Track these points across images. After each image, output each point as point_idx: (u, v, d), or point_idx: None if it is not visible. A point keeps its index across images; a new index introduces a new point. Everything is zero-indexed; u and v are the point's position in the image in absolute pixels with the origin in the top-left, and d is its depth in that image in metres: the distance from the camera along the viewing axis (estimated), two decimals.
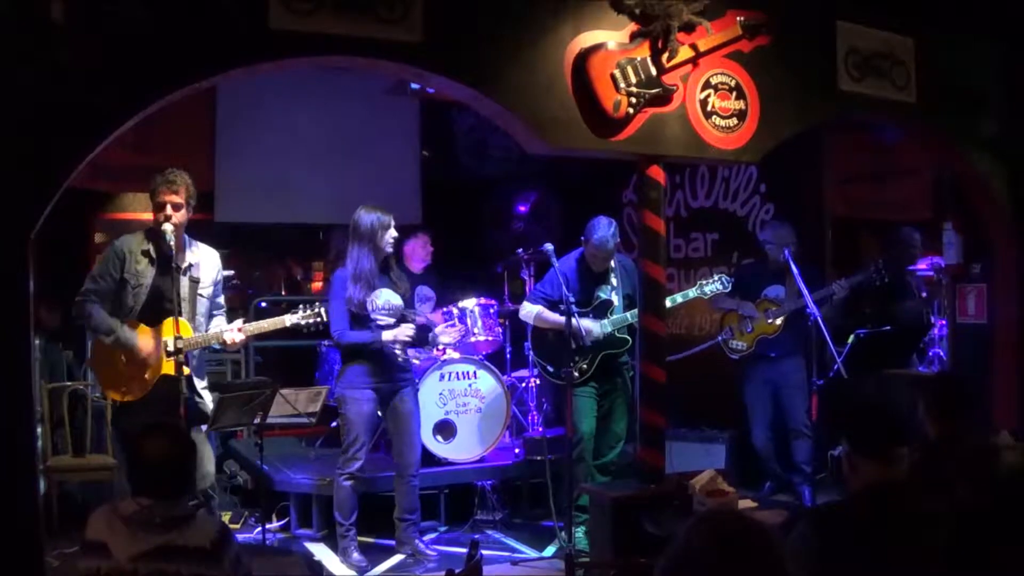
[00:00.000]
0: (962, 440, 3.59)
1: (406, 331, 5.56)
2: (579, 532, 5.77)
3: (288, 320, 5.01)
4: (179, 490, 2.90)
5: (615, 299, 6.02)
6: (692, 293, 6.11)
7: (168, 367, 4.54)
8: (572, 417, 5.74)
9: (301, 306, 5.09)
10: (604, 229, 5.91)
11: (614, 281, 6.05)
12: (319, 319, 5.09)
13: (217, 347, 5.06)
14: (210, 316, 4.89)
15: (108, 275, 4.65)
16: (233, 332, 4.80)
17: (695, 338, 7.82)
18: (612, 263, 6.08)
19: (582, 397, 5.91)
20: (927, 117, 5.95)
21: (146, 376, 4.63)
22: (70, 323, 4.73)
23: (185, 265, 4.69)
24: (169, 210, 4.61)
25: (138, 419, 4.48)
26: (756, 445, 6.81)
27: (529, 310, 6.12)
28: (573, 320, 5.57)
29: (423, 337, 6.06)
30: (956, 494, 2.98)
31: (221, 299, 5.02)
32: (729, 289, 6.26)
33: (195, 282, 4.74)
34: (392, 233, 5.60)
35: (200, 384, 4.81)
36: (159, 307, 4.66)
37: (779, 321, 6.57)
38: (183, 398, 4.41)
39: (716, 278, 6.17)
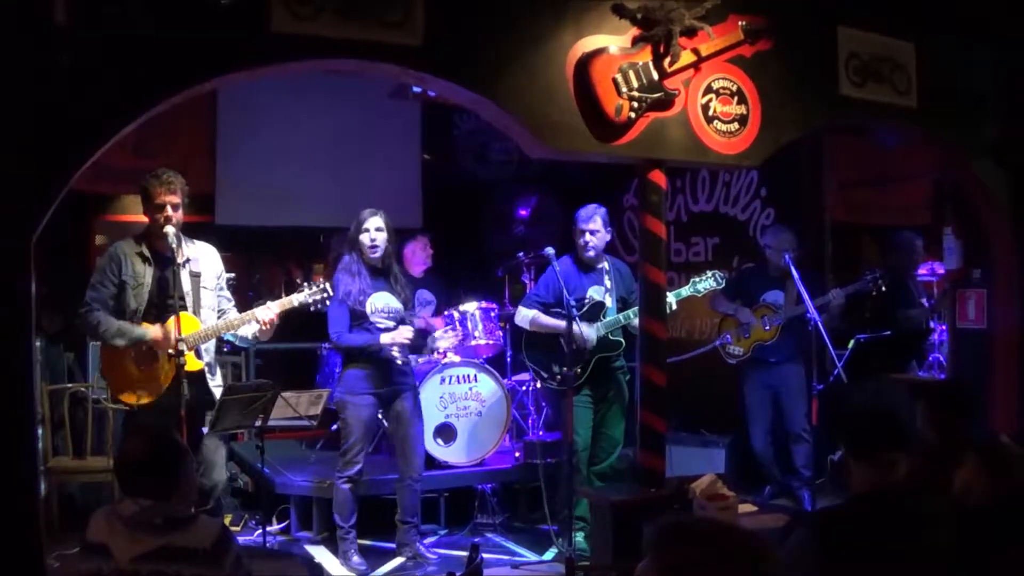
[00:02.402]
0: (974, 441, 3.59)
1: (405, 333, 5.55)
2: (579, 536, 5.76)
3: (296, 299, 5.01)
4: (166, 490, 2.88)
5: (608, 301, 5.99)
6: (685, 291, 6.04)
7: (189, 364, 4.55)
8: (572, 423, 5.71)
9: (306, 284, 5.10)
10: (586, 208, 5.96)
11: (608, 283, 6.03)
12: (325, 295, 5.09)
13: (244, 343, 5.07)
14: (219, 310, 4.91)
15: (107, 280, 4.67)
16: (268, 309, 4.83)
17: (695, 342, 7.83)
18: (607, 266, 6.06)
19: (577, 406, 5.82)
20: (928, 121, 5.95)
21: (159, 378, 4.64)
22: (71, 325, 4.74)
23: (183, 260, 4.70)
24: (169, 211, 4.64)
25: (155, 422, 4.49)
26: (756, 449, 6.81)
27: (525, 314, 6.08)
28: (574, 325, 5.57)
29: (419, 342, 6.03)
30: (969, 485, 2.97)
31: (228, 293, 5.05)
32: (723, 285, 6.19)
33: (196, 276, 4.76)
34: (371, 235, 5.53)
35: (213, 382, 4.83)
36: (162, 306, 4.69)
37: (776, 328, 6.57)
38: (183, 400, 4.41)
39: (709, 275, 6.08)
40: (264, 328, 4.87)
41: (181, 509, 2.89)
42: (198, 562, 2.75)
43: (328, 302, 5.16)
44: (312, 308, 5.09)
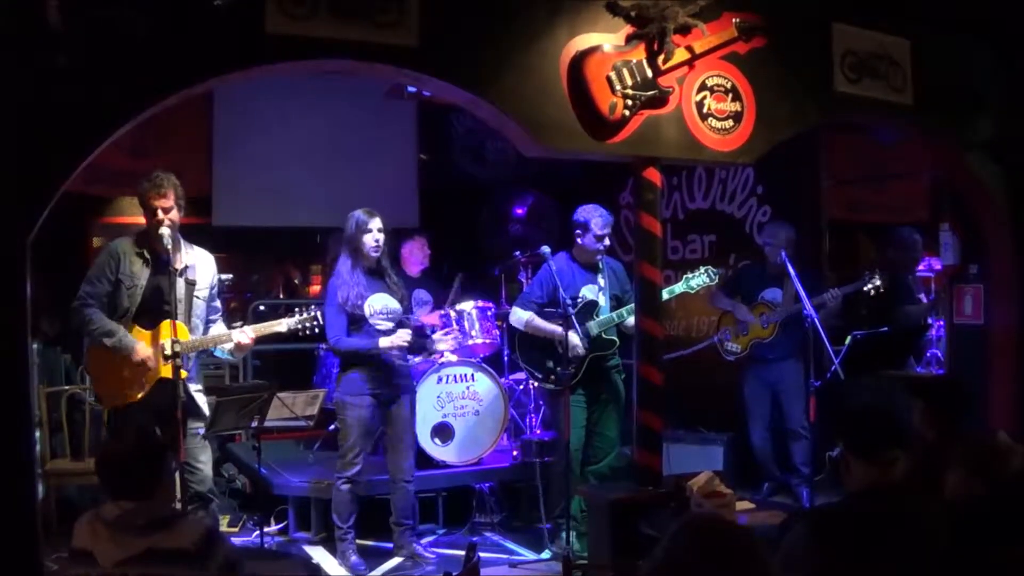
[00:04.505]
0: (960, 442, 3.59)
1: (403, 336, 5.54)
2: (572, 535, 5.73)
3: (284, 324, 5.02)
4: (148, 489, 2.87)
5: (602, 300, 5.96)
6: (678, 288, 5.97)
7: (165, 370, 4.55)
8: (565, 424, 5.70)
9: (296, 309, 5.10)
10: (598, 208, 5.89)
11: (601, 282, 6.00)
12: (315, 323, 5.09)
13: (224, 356, 5.07)
14: (207, 320, 4.89)
15: (104, 277, 4.66)
16: (244, 333, 4.85)
17: (693, 339, 7.83)
18: (600, 264, 6.04)
19: (571, 406, 5.73)
20: (924, 118, 5.96)
21: (144, 381, 4.63)
22: (68, 327, 4.73)
23: (181, 267, 4.69)
24: (160, 214, 4.62)
25: (134, 421, 4.48)
26: (754, 447, 6.81)
27: (520, 316, 6.04)
28: (569, 330, 5.55)
29: (419, 343, 6.02)
30: (957, 492, 2.98)
31: (217, 303, 5.03)
32: (716, 281, 6.10)
33: (191, 284, 4.75)
34: (374, 236, 5.51)
35: (195, 387, 4.82)
36: (155, 309, 4.67)
37: (773, 326, 6.57)
38: (180, 401, 4.40)
39: (702, 271, 5.99)
40: (239, 349, 4.91)
41: (164, 509, 2.88)
42: (184, 563, 2.73)
43: (317, 327, 5.15)
44: (300, 334, 5.11)
